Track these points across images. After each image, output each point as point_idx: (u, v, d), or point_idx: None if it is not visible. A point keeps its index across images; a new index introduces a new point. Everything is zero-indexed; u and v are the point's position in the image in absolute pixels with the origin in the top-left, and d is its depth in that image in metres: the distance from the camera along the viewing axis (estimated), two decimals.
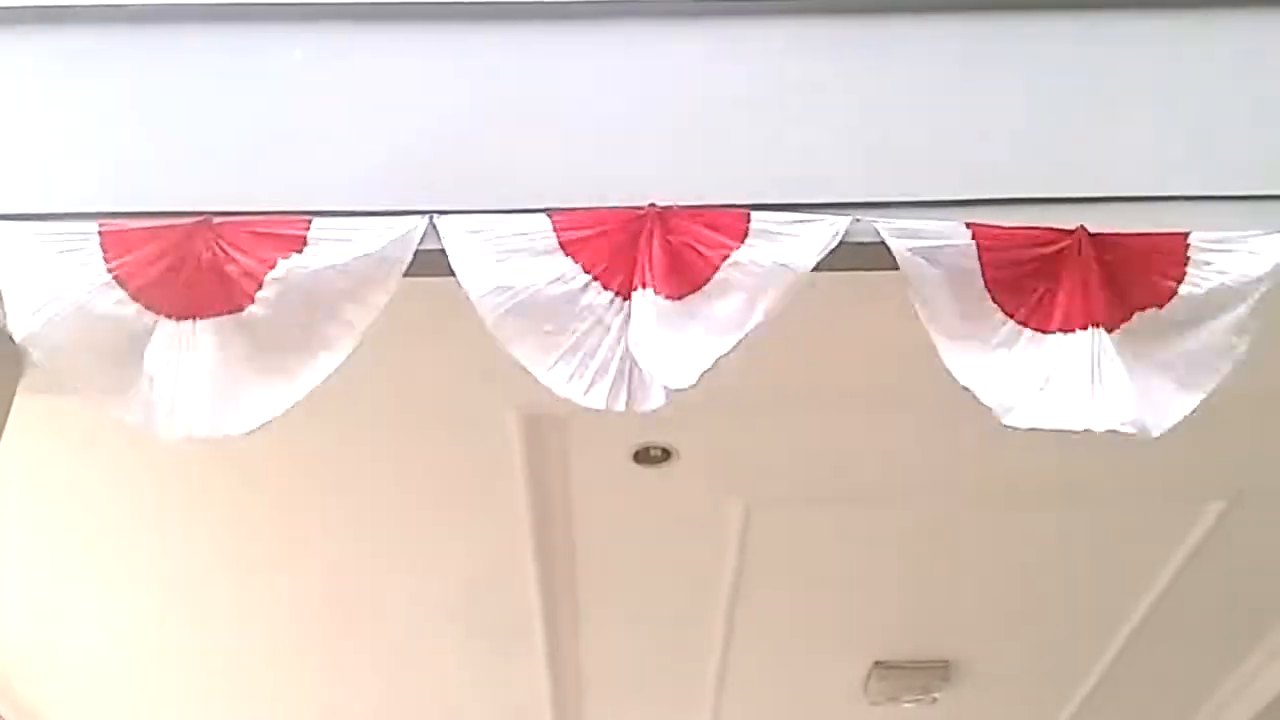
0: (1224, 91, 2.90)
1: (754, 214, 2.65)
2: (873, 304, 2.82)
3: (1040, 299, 2.61)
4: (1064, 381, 2.55)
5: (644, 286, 2.59)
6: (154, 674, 5.06)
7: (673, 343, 2.56)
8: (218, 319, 2.61)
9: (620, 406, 2.59)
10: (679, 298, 2.60)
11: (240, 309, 2.61)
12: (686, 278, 2.61)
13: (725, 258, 2.61)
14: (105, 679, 5.06)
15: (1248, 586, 4.52)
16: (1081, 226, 2.62)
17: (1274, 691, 4.97)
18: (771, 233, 2.62)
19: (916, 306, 2.61)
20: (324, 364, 2.60)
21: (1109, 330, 2.57)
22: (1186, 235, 2.64)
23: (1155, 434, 2.55)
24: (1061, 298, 2.59)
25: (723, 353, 2.56)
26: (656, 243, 2.61)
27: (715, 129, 2.84)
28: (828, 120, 2.86)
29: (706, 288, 2.61)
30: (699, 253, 2.62)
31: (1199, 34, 2.95)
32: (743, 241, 2.61)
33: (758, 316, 2.57)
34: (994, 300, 2.60)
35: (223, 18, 2.93)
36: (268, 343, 2.61)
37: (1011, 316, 2.61)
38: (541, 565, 4.39)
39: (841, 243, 2.62)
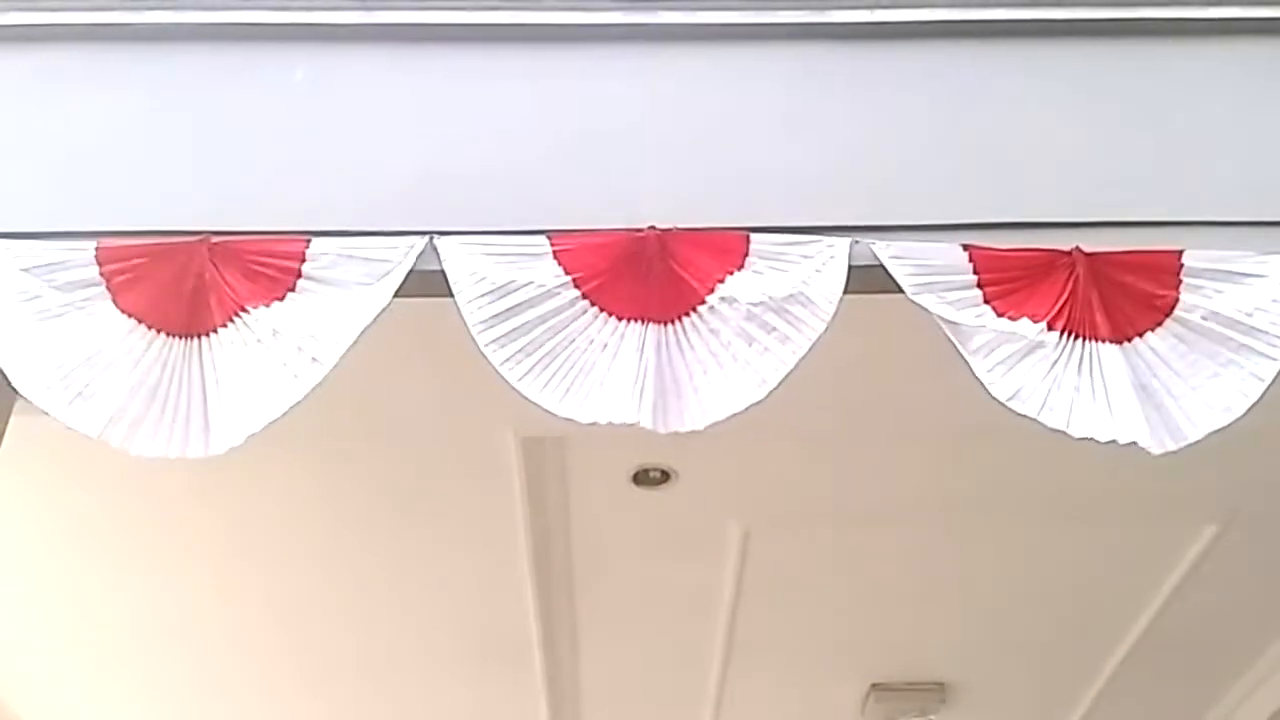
0: (1220, 117, 2.91)
1: (753, 236, 2.67)
2: (870, 326, 2.83)
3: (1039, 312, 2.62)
4: (1075, 389, 2.58)
5: (643, 311, 2.61)
6: (149, 695, 5.05)
7: (702, 375, 2.58)
8: (208, 336, 2.60)
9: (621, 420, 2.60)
10: (673, 321, 2.62)
11: (232, 324, 2.60)
12: (684, 301, 2.63)
13: (720, 282, 2.63)
14: (99, 698, 5.06)
15: (1241, 609, 4.53)
16: (1077, 247, 2.64)
17: (1269, 710, 4.98)
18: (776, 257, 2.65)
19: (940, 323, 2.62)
20: (308, 378, 2.56)
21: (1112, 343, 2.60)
22: (1180, 253, 2.65)
23: (1157, 451, 2.56)
24: (1060, 313, 2.60)
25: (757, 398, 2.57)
26: (654, 266, 2.63)
27: (715, 151, 2.85)
28: (827, 144, 2.87)
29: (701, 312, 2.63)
30: (694, 277, 2.64)
31: (1195, 60, 2.96)
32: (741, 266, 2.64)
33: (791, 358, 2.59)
34: (997, 314, 2.62)
35: (224, 37, 2.93)
36: (258, 359, 2.58)
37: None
38: (540, 586, 4.39)
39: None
